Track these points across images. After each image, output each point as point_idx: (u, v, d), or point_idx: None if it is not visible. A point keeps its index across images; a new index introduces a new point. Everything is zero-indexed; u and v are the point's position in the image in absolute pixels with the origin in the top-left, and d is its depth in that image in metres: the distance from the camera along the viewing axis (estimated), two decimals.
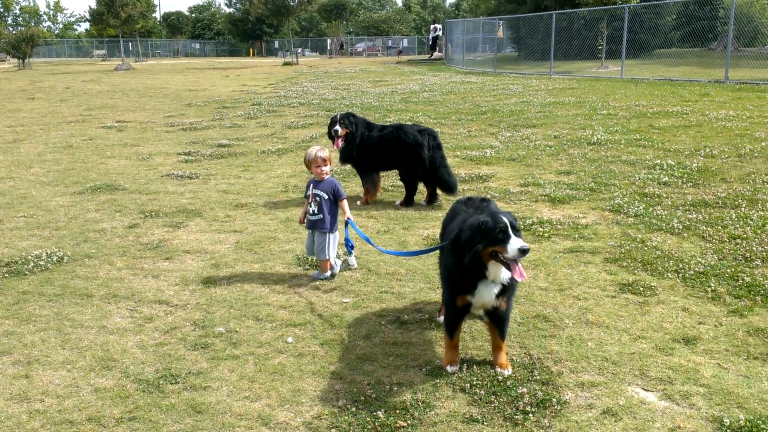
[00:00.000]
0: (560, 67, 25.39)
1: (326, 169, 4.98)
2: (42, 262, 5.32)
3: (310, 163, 4.99)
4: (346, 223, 4.99)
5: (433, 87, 20.61)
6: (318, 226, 4.95)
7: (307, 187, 5.06)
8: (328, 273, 5.00)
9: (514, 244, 3.20)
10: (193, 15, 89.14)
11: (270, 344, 3.93)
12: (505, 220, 3.26)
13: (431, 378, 3.51)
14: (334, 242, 5.01)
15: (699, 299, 4.41)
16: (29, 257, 5.43)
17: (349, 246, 5.00)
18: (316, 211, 4.94)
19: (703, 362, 3.59)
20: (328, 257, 4.97)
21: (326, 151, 4.98)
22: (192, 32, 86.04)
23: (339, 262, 5.11)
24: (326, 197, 4.95)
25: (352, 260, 5.09)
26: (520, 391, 3.31)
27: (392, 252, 5.09)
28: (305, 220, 5.07)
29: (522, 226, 6.04)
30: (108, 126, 13.74)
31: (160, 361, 3.73)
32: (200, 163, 9.67)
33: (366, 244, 5.11)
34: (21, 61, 43.58)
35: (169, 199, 7.49)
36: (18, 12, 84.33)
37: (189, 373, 3.61)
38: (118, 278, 5.05)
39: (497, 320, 3.55)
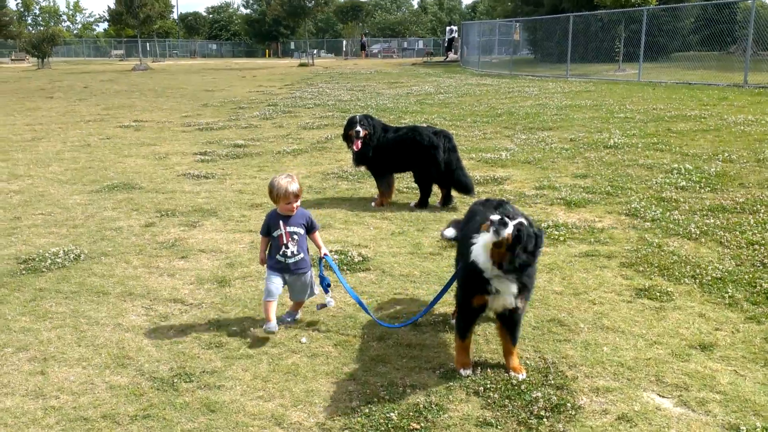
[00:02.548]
0: (577, 70, 25.25)
1: (297, 204, 4.22)
2: (59, 260, 5.37)
3: (278, 198, 4.16)
4: (320, 260, 4.33)
5: (448, 89, 20.58)
6: (300, 268, 4.17)
7: (271, 224, 4.21)
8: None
9: (494, 216, 3.21)
10: (211, 16, 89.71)
11: (284, 344, 3.94)
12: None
13: (445, 380, 3.50)
14: (313, 278, 4.32)
15: (716, 305, 4.37)
16: (47, 254, 5.49)
17: (325, 284, 4.28)
18: (295, 252, 4.14)
19: (720, 369, 3.55)
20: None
21: (296, 181, 4.20)
22: (209, 33, 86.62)
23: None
24: (302, 232, 4.21)
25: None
26: (534, 396, 3.29)
27: (387, 325, 4.08)
28: (274, 263, 4.18)
29: None
30: (125, 125, 13.86)
31: (174, 360, 3.75)
32: (216, 163, 9.72)
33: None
34: (40, 60, 44.09)
35: (185, 198, 7.54)
36: (38, 12, 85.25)
37: (203, 371, 3.62)
38: (134, 276, 5.09)
39: (510, 324, 3.53)
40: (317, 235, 4.32)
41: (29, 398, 3.38)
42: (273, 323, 4.01)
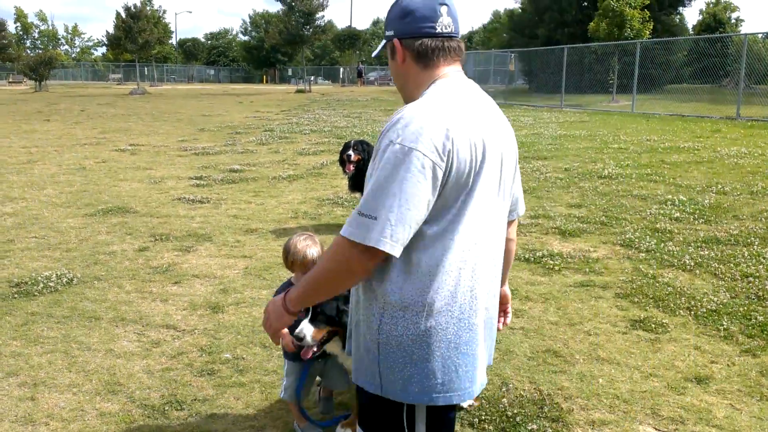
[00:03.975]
0: (571, 101, 25.51)
1: None
2: (51, 284, 5.33)
3: (293, 264, 3.14)
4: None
5: None
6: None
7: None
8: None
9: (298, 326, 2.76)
10: (209, 42, 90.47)
11: (277, 372, 3.89)
12: None
13: None
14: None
15: (711, 338, 4.36)
16: (39, 278, 5.45)
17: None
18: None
19: (716, 402, 3.53)
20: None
21: (317, 244, 3.17)
22: (207, 58, 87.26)
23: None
24: None
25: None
26: (529, 428, 3.26)
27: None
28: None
29: (532, 259, 6.02)
30: (121, 149, 13.87)
31: (166, 387, 3.71)
32: (211, 187, 9.72)
33: None
34: (38, 83, 44.26)
35: (180, 223, 7.52)
36: (37, 35, 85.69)
37: (195, 399, 3.58)
38: (126, 301, 5.05)
39: None
40: None
41: (19, 424, 3.32)
42: (309, 423, 3.23)
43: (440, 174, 1.81)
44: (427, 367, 1.95)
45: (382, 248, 1.78)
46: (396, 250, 1.80)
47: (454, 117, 1.86)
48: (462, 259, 1.93)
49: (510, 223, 2.34)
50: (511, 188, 2.14)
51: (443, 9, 1.97)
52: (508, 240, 2.32)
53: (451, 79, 2.00)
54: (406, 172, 1.77)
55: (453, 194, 1.87)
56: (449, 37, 1.99)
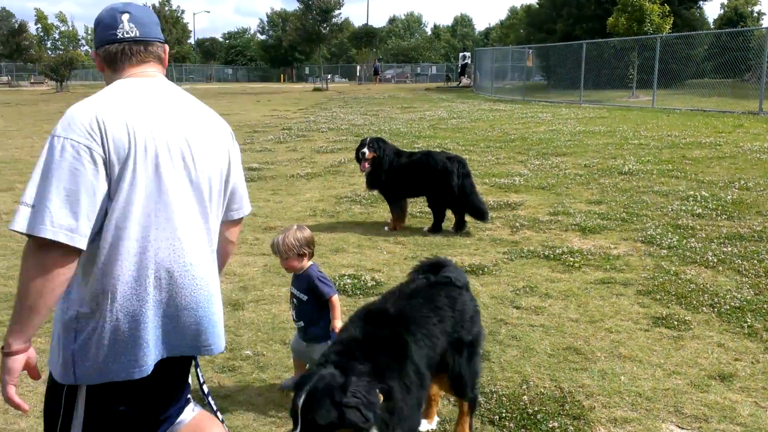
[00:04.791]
0: (590, 96, 25.28)
1: (297, 263, 3.48)
2: None
3: (276, 254, 3.56)
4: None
5: (461, 114, 20.65)
6: (308, 338, 3.53)
7: None
8: None
9: None
10: (227, 41, 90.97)
11: None
12: (299, 402, 2.31)
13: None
14: None
15: (735, 335, 4.30)
16: None
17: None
18: (295, 318, 3.59)
19: (740, 400, 3.49)
20: None
21: (295, 234, 3.46)
22: (225, 58, 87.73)
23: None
24: (303, 298, 3.49)
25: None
26: (550, 425, 3.24)
27: None
28: None
29: (552, 255, 5.99)
30: None
31: None
32: None
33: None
34: (59, 83, 44.77)
35: None
36: (57, 36, 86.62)
37: (215, 395, 3.60)
38: None
39: None
40: (334, 299, 3.47)
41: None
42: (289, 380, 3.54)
43: (100, 158, 1.89)
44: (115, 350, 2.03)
45: (43, 235, 1.78)
46: (62, 237, 1.81)
47: (108, 104, 1.96)
48: (140, 252, 1.99)
49: (233, 223, 2.39)
50: (222, 190, 2.22)
51: (124, 17, 2.12)
52: (227, 242, 2.38)
53: (130, 79, 2.10)
54: (61, 160, 1.84)
55: (119, 179, 1.93)
56: (133, 41, 2.12)
